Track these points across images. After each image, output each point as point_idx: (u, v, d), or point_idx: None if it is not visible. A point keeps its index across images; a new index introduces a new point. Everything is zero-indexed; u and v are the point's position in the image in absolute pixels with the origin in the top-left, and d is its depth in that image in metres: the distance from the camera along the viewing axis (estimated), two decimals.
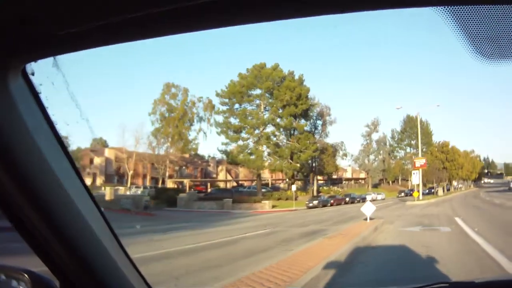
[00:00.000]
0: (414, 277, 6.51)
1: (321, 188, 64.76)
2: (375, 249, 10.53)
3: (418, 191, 44.77)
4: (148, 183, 65.72)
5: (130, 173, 62.84)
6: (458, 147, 76.01)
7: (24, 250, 1.36)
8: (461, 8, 0.95)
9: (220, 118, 56.62)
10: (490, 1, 0.95)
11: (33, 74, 1.07)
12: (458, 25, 0.97)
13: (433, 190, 58.10)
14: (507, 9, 0.96)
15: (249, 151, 54.41)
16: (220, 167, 78.31)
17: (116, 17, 0.89)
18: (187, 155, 71.68)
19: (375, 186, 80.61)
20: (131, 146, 62.10)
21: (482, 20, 0.96)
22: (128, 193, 52.04)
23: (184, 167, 73.45)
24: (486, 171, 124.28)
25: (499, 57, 1.04)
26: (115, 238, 1.43)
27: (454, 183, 78.45)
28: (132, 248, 1.68)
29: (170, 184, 64.11)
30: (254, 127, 54.32)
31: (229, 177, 78.67)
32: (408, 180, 75.21)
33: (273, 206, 44.15)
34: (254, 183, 60.47)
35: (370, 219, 18.23)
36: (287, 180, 61.31)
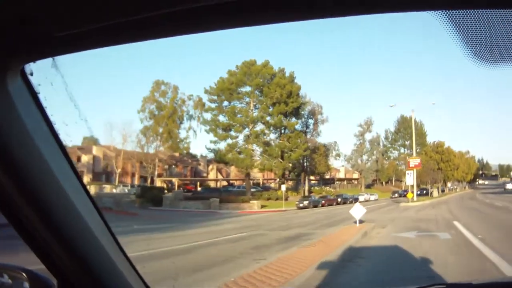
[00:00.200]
0: None
1: (312, 188, 63.08)
2: (359, 267, 8.24)
3: (412, 192, 42.89)
4: (136, 182, 64.64)
5: (118, 171, 62.10)
6: (452, 148, 74.64)
7: (21, 247, 1.38)
8: (458, 12, 0.96)
9: (209, 116, 55.19)
10: (487, 5, 0.96)
11: (32, 74, 1.07)
12: (455, 28, 0.99)
13: (424, 192, 56.24)
14: (504, 13, 0.98)
15: (238, 150, 52.65)
16: (210, 166, 77.10)
17: (116, 19, 0.89)
18: (177, 154, 70.31)
19: (368, 186, 79.44)
20: (120, 144, 61.13)
21: (479, 24, 0.98)
22: (114, 191, 51.67)
23: (173, 166, 72.22)
24: (480, 172, 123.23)
25: (496, 61, 1.05)
26: (114, 238, 1.42)
27: (449, 184, 76.98)
28: None
29: (159, 183, 62.69)
30: (243, 125, 52.53)
31: (220, 176, 77.33)
32: (402, 181, 74.09)
33: (262, 207, 43.05)
34: (244, 183, 58.67)
35: (361, 222, 16.41)
36: (278, 179, 59.80)
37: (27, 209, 1.13)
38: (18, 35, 0.90)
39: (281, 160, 52.98)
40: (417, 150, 61.44)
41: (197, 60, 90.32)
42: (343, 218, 22.52)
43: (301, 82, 63.42)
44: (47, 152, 1.11)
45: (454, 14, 0.95)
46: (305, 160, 60.42)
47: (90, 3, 0.85)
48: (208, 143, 57.89)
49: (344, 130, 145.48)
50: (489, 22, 0.97)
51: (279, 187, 53.15)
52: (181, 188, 60.39)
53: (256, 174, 69.71)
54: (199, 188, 61.42)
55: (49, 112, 1.13)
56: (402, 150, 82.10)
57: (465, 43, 1.01)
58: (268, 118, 53.18)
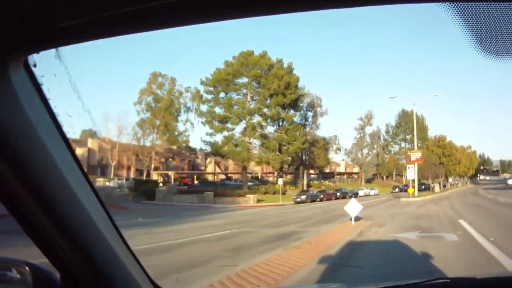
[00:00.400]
0: None
1: (311, 182, 61.81)
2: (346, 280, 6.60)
3: (413, 187, 41.37)
4: (132, 175, 63.89)
5: (114, 164, 61.22)
6: (454, 142, 72.90)
7: (21, 241, 1.44)
8: (466, 4, 0.96)
9: (205, 108, 54.09)
10: None
11: (35, 65, 1.06)
12: (463, 21, 0.98)
13: (424, 187, 54.72)
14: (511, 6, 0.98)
15: (234, 142, 51.23)
16: (208, 160, 76.24)
17: (120, 8, 0.89)
18: (174, 147, 69.89)
19: (369, 181, 78.52)
20: (115, 137, 60.95)
21: (486, 16, 0.98)
22: (108, 184, 50.97)
23: (170, 159, 71.35)
24: (482, 168, 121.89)
25: (503, 54, 1.05)
26: (117, 231, 1.42)
27: (450, 179, 75.50)
28: None
29: (155, 176, 61.98)
30: (240, 117, 51.04)
31: (218, 170, 76.30)
32: (402, 176, 72.95)
33: (259, 201, 42.13)
34: (242, 176, 57.46)
35: (358, 219, 15.00)
36: (276, 173, 58.54)
37: (30, 201, 1.12)
38: (21, 26, 0.89)
39: (278, 153, 51.65)
40: (418, 145, 59.97)
41: (196, 51, 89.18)
42: (340, 214, 20.89)
43: (300, 74, 62.35)
44: (51, 144, 1.10)
45: (462, 7, 0.95)
46: (304, 154, 59.12)
47: None
48: (205, 135, 56.77)
49: (345, 123, 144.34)
50: (496, 15, 0.96)
51: (278, 181, 51.81)
52: (178, 182, 59.98)
53: (255, 168, 69.05)
54: (196, 182, 60.37)
55: (52, 103, 1.12)
56: (403, 145, 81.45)
57: (473, 35, 1.00)
58: (265, 110, 52.00)
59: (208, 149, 56.88)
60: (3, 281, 1.44)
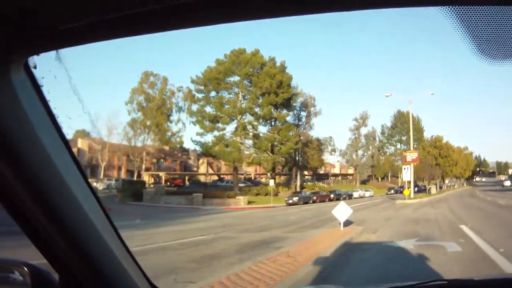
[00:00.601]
0: None
1: (305, 183, 60.39)
2: None
3: (409, 188, 39.88)
4: (123, 176, 62.46)
5: (103, 164, 59.76)
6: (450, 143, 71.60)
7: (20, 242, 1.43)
8: (464, 8, 0.96)
9: (196, 107, 52.59)
10: (494, 2, 0.96)
11: (35, 67, 1.07)
12: (461, 24, 0.99)
13: (417, 189, 53.32)
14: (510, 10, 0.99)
15: (225, 143, 49.64)
16: (201, 161, 75.35)
17: (120, 12, 0.90)
18: (167, 148, 68.66)
19: (364, 182, 77.30)
20: (105, 137, 58.95)
21: (485, 20, 0.98)
22: (95, 185, 49.68)
23: (162, 160, 70.06)
24: (478, 169, 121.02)
25: (502, 58, 1.05)
26: (115, 232, 1.42)
27: (446, 181, 74.21)
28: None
29: (146, 177, 61.02)
30: (231, 116, 49.46)
31: (210, 171, 75.46)
32: (398, 177, 71.69)
33: (249, 202, 40.86)
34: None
35: (348, 223, 13.55)
36: (269, 174, 57.14)
37: (30, 201, 1.12)
38: (22, 28, 0.90)
39: (270, 154, 50.10)
40: (414, 146, 58.59)
41: (188, 51, 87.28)
42: (330, 217, 19.26)
43: (293, 73, 61.06)
44: (50, 145, 1.11)
45: (461, 10, 0.95)
46: (297, 154, 57.65)
47: None
48: (195, 135, 55.44)
49: (339, 124, 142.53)
50: (495, 18, 0.96)
51: (269, 182, 50.37)
52: (169, 183, 58.93)
53: (248, 169, 67.87)
54: (187, 183, 59.76)
55: (52, 105, 1.13)
56: (398, 146, 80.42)
57: (471, 39, 1.00)
58: (257, 109, 50.55)
59: (198, 149, 55.56)
60: (5, 282, 1.41)
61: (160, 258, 9.62)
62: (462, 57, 77.54)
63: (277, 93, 49.31)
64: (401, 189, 48.42)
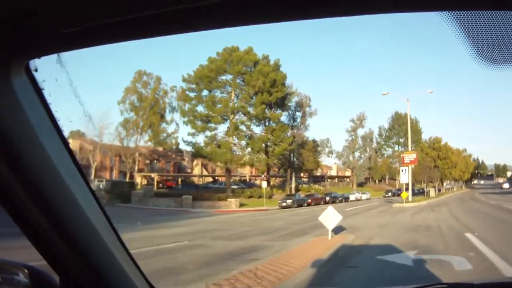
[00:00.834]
0: None
1: (300, 186, 58.60)
2: None
3: (407, 191, 38.12)
4: (115, 177, 60.81)
5: (94, 165, 58.20)
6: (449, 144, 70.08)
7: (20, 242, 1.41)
8: (464, 13, 0.98)
9: (187, 106, 50.44)
10: (493, 6, 0.97)
11: (36, 70, 1.08)
12: (461, 29, 1.00)
13: (415, 191, 51.77)
14: (510, 15, 1.00)
15: (217, 143, 47.80)
16: (195, 162, 73.28)
17: (120, 16, 0.91)
18: (160, 149, 67.17)
19: (361, 185, 75.78)
20: (96, 137, 58.33)
21: (485, 24, 0.99)
22: None
23: (155, 161, 68.54)
24: (476, 172, 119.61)
25: (501, 62, 1.06)
26: (115, 233, 1.41)
27: (445, 183, 72.66)
28: None
29: (139, 178, 59.45)
30: (223, 115, 47.63)
31: (205, 172, 73.78)
32: (396, 180, 70.46)
33: (241, 205, 39.45)
34: (231, 179, 54.73)
35: (340, 230, 11.88)
36: (263, 176, 55.51)
37: (30, 203, 1.13)
38: (23, 31, 0.90)
39: (264, 155, 48.37)
40: (412, 148, 57.00)
41: (183, 50, 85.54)
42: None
43: (289, 72, 59.45)
44: (51, 147, 1.11)
45: (461, 15, 0.96)
46: (292, 156, 55.87)
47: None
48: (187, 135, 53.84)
49: (336, 125, 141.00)
50: (495, 23, 0.97)
51: (262, 184, 48.68)
52: (161, 184, 57.69)
53: (244, 171, 66.41)
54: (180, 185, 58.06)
55: (53, 108, 1.13)
56: (396, 148, 79.51)
57: (471, 43, 1.01)
58: (250, 108, 48.65)
59: (190, 150, 53.96)
60: (5, 284, 1.37)
61: None
62: (461, 61, 76.15)
63: (271, 92, 47.53)
64: (399, 192, 46.91)
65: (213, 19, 0.93)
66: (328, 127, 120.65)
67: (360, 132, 75.42)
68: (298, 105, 56.34)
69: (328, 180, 77.19)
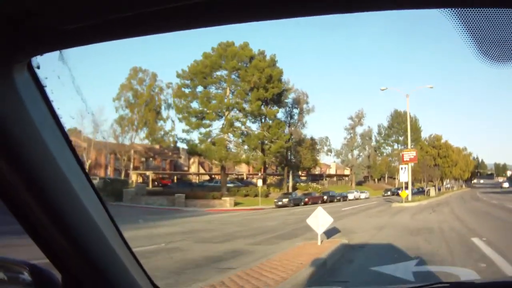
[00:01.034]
0: None
1: (298, 184, 57.43)
2: None
3: (407, 190, 36.85)
4: (110, 175, 59.95)
5: (89, 163, 57.13)
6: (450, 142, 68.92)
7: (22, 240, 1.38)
8: (466, 10, 0.98)
9: (182, 102, 49.28)
10: (495, 4, 0.98)
11: (38, 67, 1.08)
12: (463, 26, 1.00)
13: (414, 190, 50.58)
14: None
15: (211, 140, 46.59)
16: (192, 160, 72.16)
17: (123, 12, 0.91)
18: (157, 146, 66.44)
19: (360, 183, 74.69)
20: (90, 134, 56.30)
21: (487, 22, 0.99)
22: None
23: (151, 159, 67.51)
24: (476, 171, 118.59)
25: (503, 60, 1.06)
26: (117, 231, 1.42)
27: (445, 182, 71.48)
28: None
29: (134, 176, 58.51)
30: (218, 112, 46.37)
31: (201, 170, 72.77)
32: (395, 178, 69.39)
33: (236, 204, 38.67)
34: (228, 177, 53.85)
35: (334, 233, 10.72)
36: (259, 174, 54.34)
37: (32, 200, 1.13)
38: (25, 28, 0.91)
39: (259, 152, 47.10)
40: (412, 146, 55.81)
41: (179, 46, 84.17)
42: None
43: (286, 69, 58.13)
44: (53, 144, 1.11)
45: (463, 12, 0.96)
46: (289, 154, 54.60)
47: None
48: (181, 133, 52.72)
49: (334, 123, 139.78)
50: (497, 20, 0.97)
51: (257, 182, 47.50)
52: (156, 182, 57.01)
53: (241, 169, 65.33)
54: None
55: (55, 105, 1.13)
56: (395, 146, 78.34)
57: (473, 41, 1.01)
58: (245, 105, 47.57)
59: (185, 147, 52.88)
60: (7, 282, 1.35)
61: None
62: (462, 58, 75.17)
63: (267, 88, 46.31)
64: (398, 191, 45.73)
65: (213, 16, 0.92)
66: (327, 125, 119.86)
67: (359, 130, 74.61)
68: (295, 101, 55.07)
69: (327, 178, 76.14)
